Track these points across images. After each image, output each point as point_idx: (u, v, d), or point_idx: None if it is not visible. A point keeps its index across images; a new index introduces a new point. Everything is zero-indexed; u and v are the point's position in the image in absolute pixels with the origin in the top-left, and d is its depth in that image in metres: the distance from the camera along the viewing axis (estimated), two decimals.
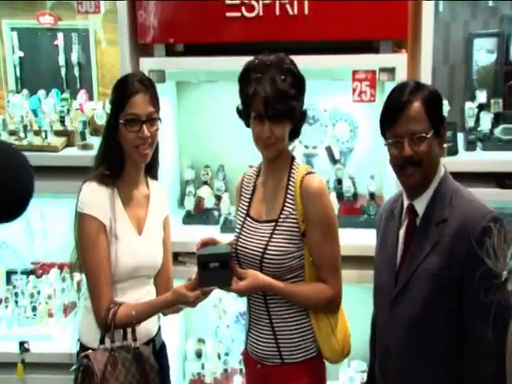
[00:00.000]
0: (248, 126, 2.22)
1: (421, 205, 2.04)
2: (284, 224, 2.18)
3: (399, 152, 1.99)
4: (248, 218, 2.28)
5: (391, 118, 2.01)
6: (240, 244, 2.25)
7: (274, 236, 2.18)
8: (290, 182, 2.20)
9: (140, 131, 2.20)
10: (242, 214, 2.31)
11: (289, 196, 2.19)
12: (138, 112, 2.20)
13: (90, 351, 2.20)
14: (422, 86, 2.03)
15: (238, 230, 2.29)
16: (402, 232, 2.09)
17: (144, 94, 2.22)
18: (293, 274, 2.21)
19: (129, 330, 2.22)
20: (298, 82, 2.16)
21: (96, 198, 2.23)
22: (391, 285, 2.07)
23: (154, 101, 2.26)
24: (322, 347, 2.26)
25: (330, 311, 2.25)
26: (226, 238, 2.32)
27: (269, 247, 2.18)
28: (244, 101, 2.17)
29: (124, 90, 2.22)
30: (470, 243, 1.78)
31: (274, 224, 2.20)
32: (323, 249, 2.17)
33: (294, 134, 2.24)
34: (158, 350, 2.46)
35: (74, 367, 2.23)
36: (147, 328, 2.35)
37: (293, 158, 2.26)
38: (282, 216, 2.19)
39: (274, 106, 2.08)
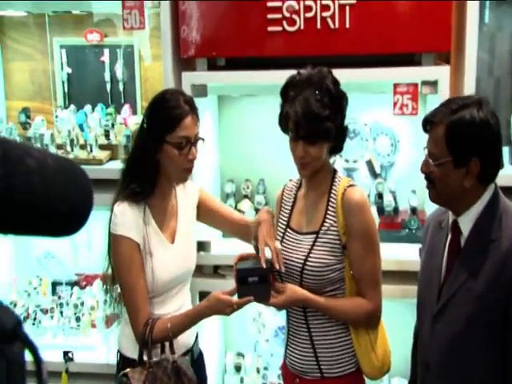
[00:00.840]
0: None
1: (465, 223, 1.95)
2: (325, 236, 2.15)
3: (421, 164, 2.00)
4: (288, 230, 2.26)
5: (424, 129, 1.98)
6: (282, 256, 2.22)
7: (315, 248, 2.15)
8: (332, 195, 2.17)
9: (190, 153, 2.20)
10: (282, 226, 2.28)
11: (330, 208, 2.16)
12: (189, 134, 2.19)
13: (129, 370, 2.19)
14: (462, 109, 1.87)
15: (278, 241, 2.26)
16: (447, 247, 2.04)
17: (192, 115, 2.21)
18: (333, 287, 2.17)
19: (166, 344, 2.21)
20: (335, 102, 2.10)
21: (127, 218, 2.21)
22: (434, 300, 2.01)
23: (199, 121, 2.26)
24: (361, 362, 2.21)
25: (370, 326, 2.20)
26: (266, 252, 2.29)
27: (309, 259, 2.15)
28: (280, 120, 2.16)
29: (174, 112, 2.18)
30: None
31: (314, 236, 2.17)
32: (364, 262, 2.14)
33: (336, 149, 2.21)
34: (196, 359, 2.45)
35: None
36: (184, 338, 2.33)
37: (335, 171, 2.23)
38: (323, 228, 2.16)
39: (304, 128, 2.06)
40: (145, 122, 2.25)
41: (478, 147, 1.87)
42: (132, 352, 2.25)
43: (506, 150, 2.96)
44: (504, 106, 3.15)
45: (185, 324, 2.23)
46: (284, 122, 2.13)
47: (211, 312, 2.18)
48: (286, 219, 2.28)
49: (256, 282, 2.09)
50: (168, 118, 2.19)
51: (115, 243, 2.23)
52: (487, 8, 2.97)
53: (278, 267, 2.12)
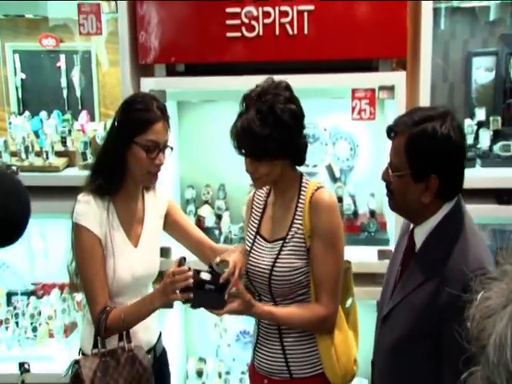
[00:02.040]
0: None
1: (419, 234, 1.91)
2: (292, 240, 2.16)
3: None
4: (258, 237, 2.27)
5: (389, 138, 1.93)
6: (250, 262, 2.24)
7: (282, 253, 2.17)
8: (300, 199, 2.18)
9: (157, 158, 2.22)
10: (252, 232, 2.30)
11: (298, 213, 2.17)
12: (158, 139, 2.22)
13: (81, 357, 2.21)
14: (424, 122, 1.80)
15: (248, 248, 2.28)
16: (402, 253, 2.04)
17: (163, 122, 2.24)
18: (303, 291, 2.18)
19: (124, 333, 2.22)
20: (281, 120, 2.06)
21: (91, 210, 2.23)
22: (386, 303, 2.01)
23: (169, 128, 2.29)
24: (324, 367, 2.22)
25: (323, 331, 2.20)
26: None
27: (276, 264, 2.16)
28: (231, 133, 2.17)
29: (146, 114, 2.20)
30: (451, 295, 1.62)
31: (281, 242, 2.18)
32: (322, 264, 2.13)
33: (298, 162, 2.20)
34: (159, 356, 2.47)
35: (65, 373, 2.22)
36: (146, 336, 2.36)
37: (301, 175, 2.23)
38: (290, 233, 2.17)
39: (244, 146, 2.09)
40: (115, 121, 2.27)
41: (437, 163, 1.80)
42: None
43: None
44: (457, 111, 3.23)
45: (138, 311, 2.21)
46: (231, 137, 2.15)
47: (162, 295, 2.14)
48: (255, 226, 2.29)
49: (212, 290, 2.08)
50: (140, 120, 2.21)
51: (77, 233, 2.25)
52: (442, 15, 3.05)
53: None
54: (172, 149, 2.30)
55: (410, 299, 1.86)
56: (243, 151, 2.11)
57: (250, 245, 2.27)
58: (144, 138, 2.20)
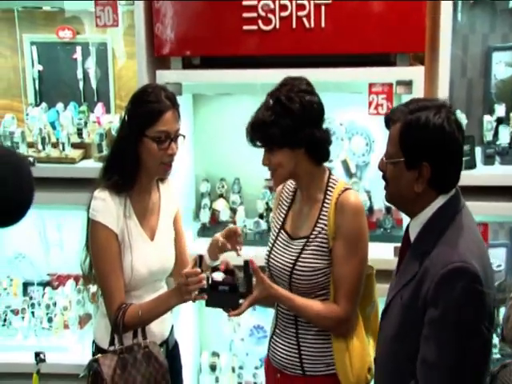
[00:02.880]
0: None
1: (414, 228, 1.92)
2: (315, 240, 2.17)
3: None
4: (282, 232, 2.27)
5: (387, 127, 1.95)
6: (272, 257, 2.26)
7: (304, 252, 2.17)
8: (326, 199, 2.17)
9: (169, 148, 2.21)
10: (277, 226, 2.30)
11: (323, 212, 2.17)
12: (169, 129, 2.21)
13: (100, 355, 2.21)
14: (419, 111, 1.82)
15: (271, 242, 2.29)
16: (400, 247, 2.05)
17: (173, 111, 2.23)
18: (323, 291, 2.19)
19: (139, 330, 2.24)
20: (287, 108, 2.10)
21: (108, 207, 2.23)
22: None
23: (179, 117, 2.27)
24: (337, 370, 2.20)
25: (339, 333, 2.19)
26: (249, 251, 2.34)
27: (298, 263, 2.17)
28: None
29: (154, 106, 2.20)
30: (433, 286, 1.72)
31: (305, 240, 2.19)
32: (343, 265, 2.13)
33: (320, 157, 2.20)
34: (171, 350, 2.49)
35: (83, 372, 2.24)
36: (159, 330, 2.37)
37: (330, 174, 2.23)
38: (313, 233, 2.18)
39: (250, 135, 2.14)
40: (126, 116, 2.28)
41: (429, 152, 1.81)
42: (106, 343, 2.25)
43: (478, 150, 3.01)
44: (476, 107, 3.21)
45: (156, 308, 2.23)
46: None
47: (178, 295, 2.16)
48: (281, 221, 2.30)
49: (226, 290, 2.10)
50: (148, 112, 2.20)
51: (93, 229, 2.25)
52: (460, 9, 3.01)
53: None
54: (184, 137, 2.29)
55: (401, 294, 1.88)
56: (252, 141, 2.14)
57: (273, 238, 2.29)
58: (154, 129, 2.19)
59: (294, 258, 2.18)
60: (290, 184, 2.32)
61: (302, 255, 2.17)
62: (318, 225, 2.17)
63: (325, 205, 2.17)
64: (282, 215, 2.30)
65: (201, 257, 2.17)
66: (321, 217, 2.17)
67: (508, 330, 0.92)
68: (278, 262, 2.22)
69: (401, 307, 1.86)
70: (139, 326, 2.23)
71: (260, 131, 2.11)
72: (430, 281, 1.75)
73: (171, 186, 2.47)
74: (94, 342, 2.42)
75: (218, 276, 2.13)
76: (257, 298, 2.12)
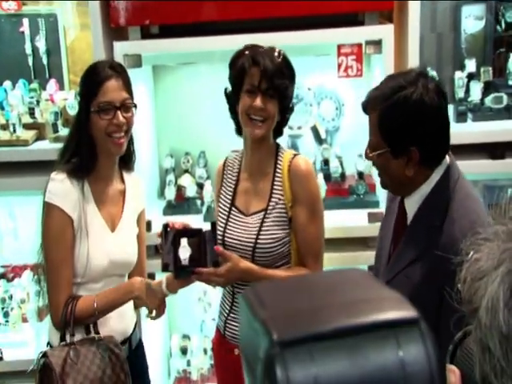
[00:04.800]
0: (233, 112, 2.26)
1: (411, 204, 1.92)
2: (273, 211, 2.24)
3: None
4: (234, 209, 2.32)
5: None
6: (228, 235, 2.29)
7: (264, 225, 2.24)
8: (277, 170, 2.25)
9: (114, 118, 2.16)
10: (226, 204, 2.34)
11: (276, 183, 2.25)
12: (111, 99, 2.16)
13: (48, 348, 2.17)
14: (396, 93, 1.79)
15: (223, 221, 2.31)
16: (393, 221, 2.04)
17: (116, 79, 2.18)
18: (283, 261, 2.27)
19: (91, 326, 2.20)
20: (290, 68, 2.23)
21: (65, 190, 2.19)
22: (381, 275, 2.02)
23: (128, 86, 2.23)
24: None
25: None
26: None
27: (260, 236, 2.23)
28: (237, 74, 2.19)
29: (94, 78, 2.18)
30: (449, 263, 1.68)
31: (263, 213, 2.25)
32: (306, 231, 2.23)
33: (279, 129, 2.29)
34: (135, 348, 2.43)
35: (31, 367, 2.21)
36: (122, 325, 2.33)
37: (278, 146, 2.31)
38: (270, 204, 2.25)
39: (271, 79, 2.14)
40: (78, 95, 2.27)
41: (414, 135, 1.80)
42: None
43: (450, 107, 3.08)
44: (447, 63, 3.26)
45: (112, 300, 2.21)
46: (238, 77, 2.19)
47: (141, 299, 2.18)
48: (229, 198, 2.33)
49: (193, 270, 2.13)
50: (89, 85, 2.19)
51: (47, 213, 2.19)
52: None
53: None
54: (136, 106, 2.24)
55: (407, 274, 1.86)
56: (263, 85, 2.15)
57: (224, 218, 2.32)
58: (97, 101, 2.16)
59: (254, 232, 2.24)
60: (232, 162, 2.37)
61: (263, 228, 2.23)
62: (274, 195, 2.25)
63: (277, 175, 2.25)
64: (230, 194, 2.34)
65: (166, 226, 2.16)
66: (274, 188, 2.25)
67: (465, 292, 0.97)
68: (236, 239, 2.27)
69: (410, 286, 1.82)
70: (93, 319, 2.19)
71: (278, 77, 2.15)
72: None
73: (139, 182, 2.43)
74: (48, 343, 2.34)
75: (185, 252, 2.13)
76: (226, 276, 2.17)
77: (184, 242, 2.12)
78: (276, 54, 2.19)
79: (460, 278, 0.95)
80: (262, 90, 2.15)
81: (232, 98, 2.25)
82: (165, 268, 2.13)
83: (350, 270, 0.92)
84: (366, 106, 1.89)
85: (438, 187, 1.87)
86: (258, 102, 2.15)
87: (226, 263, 2.16)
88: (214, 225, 2.18)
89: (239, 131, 2.30)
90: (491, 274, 0.91)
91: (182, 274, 2.14)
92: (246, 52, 2.19)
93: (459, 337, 1.27)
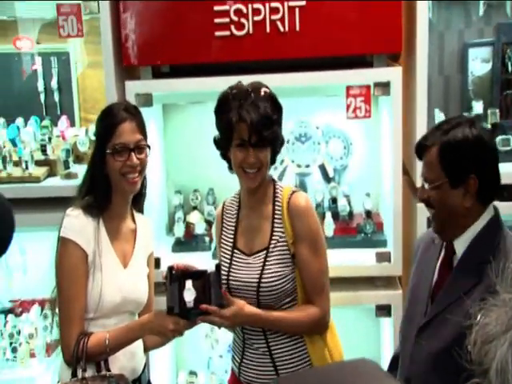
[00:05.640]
0: (224, 157, 2.33)
1: (460, 243, 2.04)
2: (275, 249, 2.29)
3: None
4: (236, 251, 2.37)
5: (419, 157, 2.08)
6: (232, 277, 2.33)
7: (267, 263, 2.28)
8: (276, 207, 2.31)
9: (128, 159, 2.26)
10: (227, 247, 2.39)
11: (276, 221, 2.30)
12: (126, 141, 2.26)
13: (60, 383, 2.21)
14: (454, 129, 1.98)
15: (226, 264, 2.36)
16: (438, 264, 2.14)
17: (130, 121, 2.28)
18: (289, 298, 2.31)
19: (101, 363, 2.23)
20: (277, 108, 2.27)
21: (80, 225, 2.26)
22: (421, 316, 2.11)
23: (141, 128, 2.32)
24: None
25: (319, 332, 2.33)
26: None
27: (264, 275, 2.27)
28: (225, 129, 2.25)
29: (109, 120, 2.28)
30: None
31: (265, 252, 2.30)
32: (310, 266, 2.28)
33: (272, 159, 2.34)
34: None
35: None
36: (132, 364, 2.36)
37: (274, 181, 2.37)
38: (272, 242, 2.30)
39: (259, 132, 2.19)
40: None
41: (473, 164, 1.97)
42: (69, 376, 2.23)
43: None
44: (454, 104, 3.33)
45: (124, 337, 2.25)
46: (226, 132, 2.24)
47: (152, 327, 2.21)
48: (231, 240, 2.39)
49: (198, 313, 2.16)
50: (104, 128, 2.29)
51: (62, 247, 2.26)
52: (432, 7, 3.14)
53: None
54: (150, 148, 2.34)
55: (458, 304, 1.95)
56: (254, 139, 2.19)
57: (228, 260, 2.36)
58: (112, 143, 2.26)
59: (258, 271, 2.28)
60: (230, 205, 2.44)
61: (266, 266, 2.28)
62: (275, 233, 2.29)
63: (276, 212, 2.30)
64: (231, 236, 2.39)
65: (171, 268, 2.19)
66: (275, 225, 2.30)
67: (475, 354, 1.05)
68: (240, 280, 2.31)
69: (462, 317, 1.88)
70: (104, 356, 2.23)
71: (267, 129, 2.20)
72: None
73: (149, 223, 2.52)
74: (58, 382, 2.36)
75: (190, 294, 2.16)
76: (231, 320, 2.20)
77: (189, 284, 2.15)
78: (261, 95, 2.22)
79: (470, 340, 1.03)
80: (253, 143, 2.20)
81: (222, 147, 2.32)
82: (170, 311, 2.16)
83: (361, 362, 1.01)
84: (424, 143, 2.01)
85: (490, 226, 2.02)
86: (251, 158, 2.21)
87: (231, 307, 2.20)
88: (218, 267, 2.22)
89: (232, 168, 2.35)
90: (500, 338, 1.01)
91: (188, 317, 2.18)
92: (232, 102, 2.22)
93: None
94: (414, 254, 2.31)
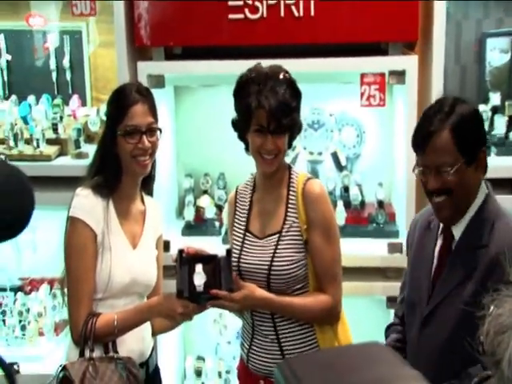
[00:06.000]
0: (242, 139, 2.33)
1: (458, 226, 2.06)
2: (288, 234, 2.29)
3: (426, 182, 2.05)
4: (248, 234, 2.38)
5: (419, 147, 2.04)
6: (243, 260, 2.34)
7: (279, 247, 2.29)
8: (291, 192, 2.32)
9: (140, 142, 2.27)
10: (240, 230, 2.40)
11: (290, 205, 2.31)
12: (138, 123, 2.28)
13: (67, 362, 2.23)
14: (454, 108, 2.00)
15: (237, 247, 2.37)
16: (437, 250, 2.15)
17: (142, 103, 2.29)
18: (300, 285, 2.31)
19: (110, 345, 2.25)
20: (296, 93, 2.27)
21: (89, 205, 2.29)
22: (424, 303, 2.12)
23: (153, 111, 2.34)
24: None
25: (330, 321, 2.34)
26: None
27: (275, 259, 2.28)
28: (244, 113, 2.25)
29: (121, 102, 2.30)
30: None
31: (277, 236, 2.30)
32: (323, 254, 2.28)
33: (289, 144, 2.35)
34: (152, 373, 2.48)
35: (48, 382, 2.28)
36: (140, 348, 2.38)
37: (289, 167, 2.38)
38: (285, 226, 2.30)
39: (278, 120, 2.19)
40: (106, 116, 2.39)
41: (483, 136, 2.04)
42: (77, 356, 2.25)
43: None
44: (470, 96, 3.29)
45: (133, 318, 2.27)
46: (245, 116, 2.24)
47: (161, 310, 2.23)
48: (243, 224, 2.40)
49: (208, 298, 2.17)
50: (116, 109, 2.30)
51: (71, 227, 2.28)
52: None
53: None
54: (161, 131, 2.36)
55: (457, 292, 1.99)
56: (272, 126, 2.20)
57: (239, 243, 2.38)
58: (123, 125, 2.27)
59: (269, 254, 2.29)
60: (244, 189, 2.44)
61: (278, 250, 2.28)
62: (288, 218, 2.30)
63: (290, 197, 2.31)
64: (244, 219, 2.40)
65: (181, 251, 2.20)
66: (289, 210, 2.30)
67: (488, 344, 1.06)
68: (251, 263, 2.32)
69: (461, 304, 1.90)
70: (112, 338, 2.25)
71: (286, 116, 2.20)
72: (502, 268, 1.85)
73: (158, 207, 2.54)
74: (66, 359, 2.36)
75: (200, 278, 2.17)
76: (244, 300, 2.21)
77: (199, 268, 2.16)
78: (280, 82, 2.22)
79: (483, 331, 1.04)
80: (271, 130, 2.21)
81: (240, 130, 2.32)
82: (179, 294, 2.17)
83: (373, 346, 1.02)
84: (430, 131, 1.99)
85: (483, 208, 2.04)
86: (269, 144, 2.22)
87: (242, 290, 2.22)
88: (229, 252, 2.24)
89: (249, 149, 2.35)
90: None
91: (197, 301, 2.19)
92: (251, 87, 2.21)
93: (476, 382, 1.34)
94: (410, 234, 2.31)
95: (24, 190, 1.55)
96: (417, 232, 2.26)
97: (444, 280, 2.07)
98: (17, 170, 1.54)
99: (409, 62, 2.91)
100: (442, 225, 2.14)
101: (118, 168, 2.33)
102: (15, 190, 1.50)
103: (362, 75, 2.90)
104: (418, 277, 2.19)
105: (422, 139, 2.02)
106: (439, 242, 2.14)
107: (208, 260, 2.20)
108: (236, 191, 2.48)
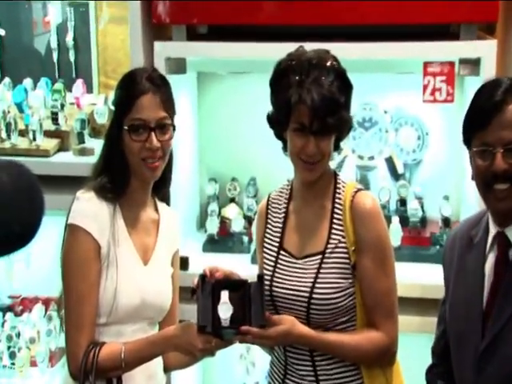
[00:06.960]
0: (279, 137, 2.29)
1: None
2: (332, 256, 2.25)
3: (489, 164, 2.01)
4: (282, 252, 2.34)
5: (480, 122, 2.01)
6: (276, 284, 2.30)
7: (322, 271, 2.24)
8: (336, 205, 2.27)
9: (148, 140, 2.25)
10: (272, 248, 2.37)
11: (335, 222, 2.26)
12: (146, 117, 2.25)
13: None
14: None
15: (270, 267, 2.34)
16: (488, 267, 2.11)
17: (154, 94, 2.26)
18: (345, 318, 2.26)
19: (114, 381, 2.23)
20: (346, 86, 2.22)
21: (92, 210, 2.27)
22: (477, 333, 2.09)
23: (167, 103, 2.30)
24: None
25: (384, 364, 2.29)
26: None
27: (317, 285, 2.23)
28: (282, 108, 2.21)
29: (129, 89, 2.27)
30: None
31: (320, 257, 2.26)
32: (376, 283, 2.23)
33: (336, 145, 2.30)
34: None
35: None
36: None
37: (335, 174, 2.33)
38: (329, 246, 2.25)
39: (323, 119, 2.14)
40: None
41: None
42: None
43: None
44: None
45: (143, 351, 2.24)
46: (283, 112, 2.19)
47: (178, 343, 2.20)
48: (277, 240, 2.36)
49: (234, 333, 2.13)
50: (123, 98, 2.29)
51: (71, 236, 2.27)
52: None
53: None
54: (175, 128, 2.32)
55: None
56: (315, 126, 2.16)
57: (272, 264, 2.34)
58: (129, 118, 2.25)
59: (310, 279, 2.25)
60: (278, 197, 2.41)
61: (320, 275, 2.24)
62: (333, 237, 2.26)
63: (336, 211, 2.27)
64: (277, 234, 2.37)
65: (203, 276, 2.18)
66: (333, 226, 2.26)
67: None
68: (287, 288, 2.28)
69: None
70: (118, 372, 2.23)
71: (331, 115, 2.15)
72: None
73: (175, 216, 2.51)
74: None
75: (226, 309, 2.14)
76: (280, 336, 2.17)
77: (225, 296, 2.14)
78: (327, 69, 2.17)
79: None
80: (314, 131, 2.17)
81: (277, 127, 2.28)
82: (201, 330, 2.13)
83: None
84: (503, 100, 1.99)
85: None
86: (311, 147, 2.17)
87: (277, 326, 2.16)
88: (261, 278, 2.21)
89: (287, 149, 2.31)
90: None
91: (222, 336, 2.15)
92: (291, 76, 2.17)
93: None
94: (448, 254, 2.28)
95: (35, 196, 1.56)
96: (456, 250, 2.22)
97: (504, 298, 2.02)
98: (26, 170, 1.56)
99: (485, 49, 2.84)
100: (490, 236, 2.09)
101: (126, 168, 2.31)
102: (25, 196, 1.51)
103: (426, 64, 2.86)
104: (464, 303, 2.15)
105: (484, 112, 2.00)
106: (491, 256, 2.10)
107: (236, 286, 2.17)
108: (268, 200, 2.44)
